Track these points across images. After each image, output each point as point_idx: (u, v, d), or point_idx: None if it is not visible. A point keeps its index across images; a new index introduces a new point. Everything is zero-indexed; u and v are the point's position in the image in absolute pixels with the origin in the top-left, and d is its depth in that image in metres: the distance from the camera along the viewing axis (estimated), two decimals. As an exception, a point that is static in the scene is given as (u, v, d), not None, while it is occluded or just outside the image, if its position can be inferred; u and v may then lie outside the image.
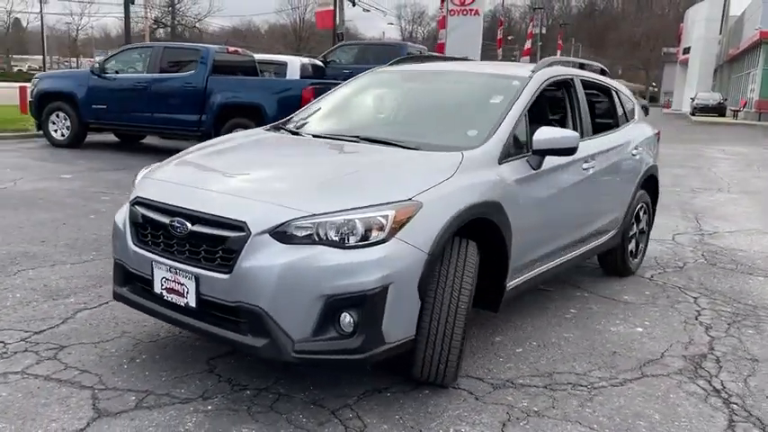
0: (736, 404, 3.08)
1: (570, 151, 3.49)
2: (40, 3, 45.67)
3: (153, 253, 2.86)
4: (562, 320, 4.07)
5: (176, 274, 2.76)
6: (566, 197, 3.83)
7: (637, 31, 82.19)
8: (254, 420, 2.68)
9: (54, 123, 10.93)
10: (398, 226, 2.65)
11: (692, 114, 40.94)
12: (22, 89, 13.04)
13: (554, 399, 3.02)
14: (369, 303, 2.56)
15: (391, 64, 4.64)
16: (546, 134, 3.43)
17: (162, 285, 2.83)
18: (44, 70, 37.64)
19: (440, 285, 2.82)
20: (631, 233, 4.97)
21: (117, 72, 10.55)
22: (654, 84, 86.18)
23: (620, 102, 4.97)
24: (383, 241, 2.61)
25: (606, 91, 4.89)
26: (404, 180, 2.89)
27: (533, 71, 3.94)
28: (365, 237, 2.60)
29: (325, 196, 2.71)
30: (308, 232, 2.58)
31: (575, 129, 4.20)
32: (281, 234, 2.58)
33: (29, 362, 3.09)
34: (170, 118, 10.04)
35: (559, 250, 3.94)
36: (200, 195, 2.84)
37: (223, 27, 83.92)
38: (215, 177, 3.07)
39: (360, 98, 4.30)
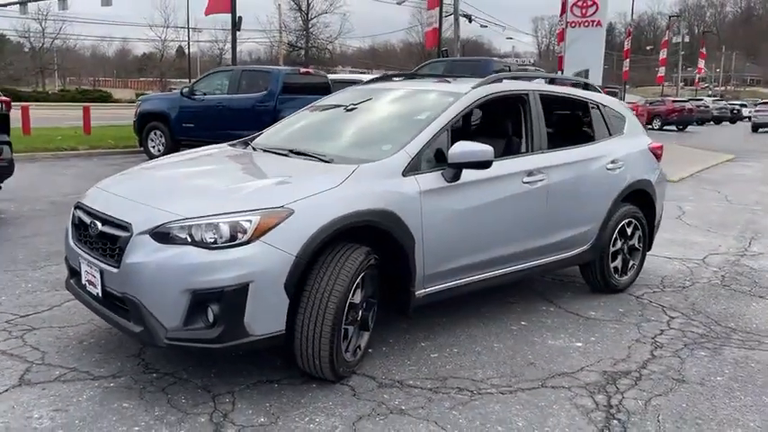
0: (618, 420, 3.04)
1: (484, 165, 3.59)
2: (188, 32, 50.15)
3: (81, 249, 3.36)
4: (504, 331, 4.12)
5: (90, 267, 3.23)
6: (497, 209, 3.90)
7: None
8: (139, 398, 3.06)
9: (152, 140, 12.22)
10: (264, 230, 2.94)
11: None
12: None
13: (429, 400, 3.15)
14: (226, 298, 2.87)
15: (366, 83, 4.92)
16: (460, 148, 3.57)
17: (85, 277, 3.32)
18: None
19: (313, 286, 3.07)
20: (614, 249, 4.86)
21: (204, 94, 11.61)
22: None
23: (602, 116, 4.89)
24: (246, 243, 2.91)
25: (581, 105, 4.84)
26: (287, 188, 3.18)
27: (473, 87, 4.07)
28: (231, 239, 2.92)
29: (203, 202, 3.06)
30: (181, 233, 2.94)
31: (526, 143, 4.27)
32: (158, 234, 2.96)
33: (-1, 339, 3.71)
34: (246, 134, 10.83)
35: (496, 261, 4.01)
36: (110, 200, 3.32)
37: (361, 47, 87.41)
38: (132, 186, 3.53)
39: (318, 114, 4.63)
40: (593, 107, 4.87)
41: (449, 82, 4.53)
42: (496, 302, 4.61)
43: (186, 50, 61.66)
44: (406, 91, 4.43)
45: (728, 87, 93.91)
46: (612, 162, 4.73)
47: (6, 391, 3.09)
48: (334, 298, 3.06)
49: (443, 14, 31.74)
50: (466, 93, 3.99)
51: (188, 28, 50.08)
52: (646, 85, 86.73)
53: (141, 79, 78.26)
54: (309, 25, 62.26)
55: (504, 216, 3.97)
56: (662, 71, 53.15)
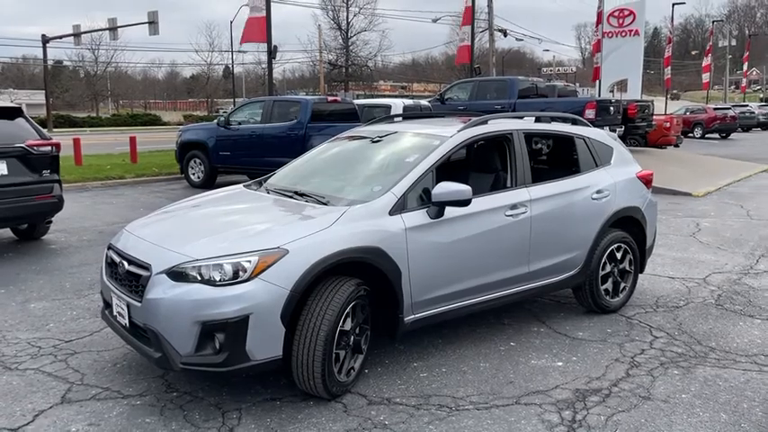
0: (575, 433, 3.40)
1: (464, 203, 4.02)
2: (231, 55, 51.83)
3: (112, 285, 3.92)
4: (493, 352, 4.50)
5: (120, 300, 3.78)
6: (481, 241, 4.31)
7: None
8: (160, 414, 3.58)
9: (192, 168, 12.98)
10: (262, 268, 3.43)
11: None
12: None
13: (410, 416, 3.57)
14: (230, 328, 3.36)
15: (367, 124, 5.41)
16: (442, 188, 4.01)
17: (116, 309, 3.87)
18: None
19: (306, 316, 3.55)
20: (604, 273, 5.19)
21: (239, 123, 12.33)
22: None
23: (588, 148, 5.24)
24: (246, 280, 3.41)
25: (566, 140, 5.21)
26: (283, 230, 3.67)
27: (459, 130, 4.50)
28: (234, 276, 3.42)
29: (211, 245, 3.57)
30: (192, 272, 3.45)
31: (511, 179, 4.67)
32: (173, 274, 3.48)
33: (46, 361, 4.28)
34: (277, 161, 11.46)
35: (482, 288, 4.41)
36: (135, 243, 3.87)
37: (403, 62, 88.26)
38: (153, 229, 4.07)
39: (322, 156, 5.13)
40: (579, 141, 5.23)
41: (442, 124, 4.97)
42: (491, 324, 5.00)
43: (231, 71, 63.79)
44: (400, 133, 4.88)
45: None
46: (598, 192, 5.08)
47: (51, 408, 3.65)
48: (325, 326, 3.52)
49: (478, 29, 32.21)
50: (451, 136, 4.43)
51: (231, 51, 51.76)
52: (694, 89, 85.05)
53: (190, 100, 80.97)
54: (349, 43, 63.43)
55: (487, 247, 4.37)
56: (706, 77, 52.25)
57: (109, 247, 4.13)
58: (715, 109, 35.33)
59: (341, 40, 61.41)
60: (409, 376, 4.09)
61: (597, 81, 26.25)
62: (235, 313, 3.36)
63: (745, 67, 62.07)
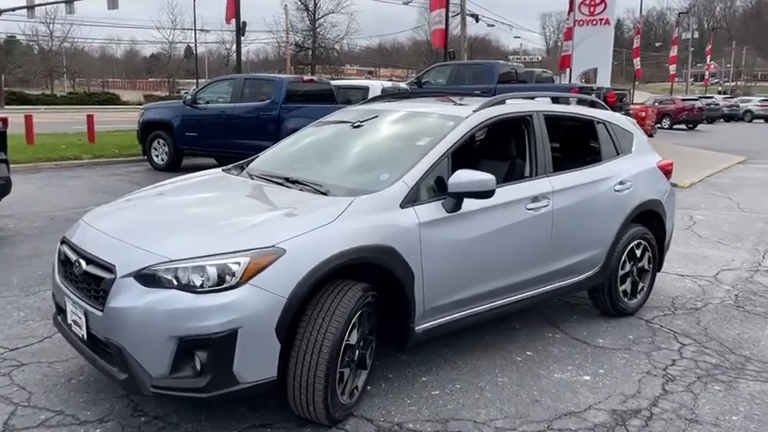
0: (627, 469, 2.89)
1: (486, 194, 3.44)
2: (195, 34, 50.19)
3: (67, 288, 3.24)
4: (509, 363, 3.97)
5: (75, 307, 3.11)
6: (500, 238, 3.75)
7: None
8: (126, 446, 2.94)
9: (155, 149, 12.13)
10: (254, 272, 2.81)
11: None
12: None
13: (428, 447, 3.01)
14: (214, 345, 2.74)
15: (362, 103, 4.78)
16: (460, 177, 3.43)
17: (70, 317, 3.19)
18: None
19: (306, 328, 2.94)
20: (623, 272, 4.70)
21: (207, 102, 11.51)
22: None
23: (609, 135, 4.72)
24: (234, 287, 2.78)
25: (587, 124, 4.68)
26: (278, 225, 3.04)
27: (475, 110, 3.92)
28: (219, 282, 2.78)
29: (190, 241, 2.93)
30: (167, 276, 2.81)
31: (530, 166, 4.11)
32: (143, 277, 2.83)
33: (-15, 377, 3.59)
34: (248, 144, 10.74)
35: (500, 291, 3.86)
36: (95, 237, 3.19)
37: (369, 46, 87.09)
38: (118, 220, 3.40)
39: (313, 138, 4.49)
40: (599, 126, 4.70)
41: (451, 102, 4.38)
42: (500, 329, 4.46)
43: (194, 51, 61.90)
44: (405, 113, 4.28)
45: (739, 83, 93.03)
46: (620, 183, 4.57)
47: (-12, 439, 2.98)
48: (329, 341, 2.92)
49: (450, 14, 31.62)
50: (467, 117, 3.84)
51: (194, 29, 50.15)
52: (655, 82, 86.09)
53: (150, 80, 78.52)
54: (316, 25, 62.13)
55: (508, 245, 3.82)
56: (672, 69, 52.68)
57: (62, 241, 3.44)
58: (683, 100, 35.57)
59: (308, 22, 60.23)
60: (419, 395, 3.52)
61: (567, 69, 25.98)
62: (220, 327, 2.73)
63: (708, 60, 62.84)
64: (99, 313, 2.92)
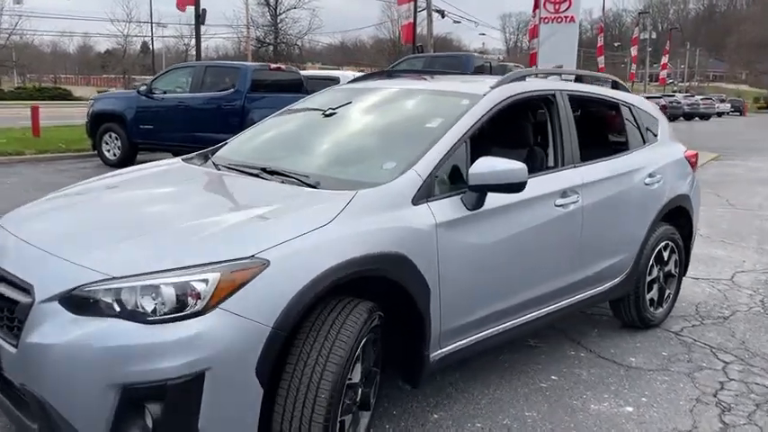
0: None
1: (516, 187, 2.76)
2: (151, 27, 48.49)
3: (-28, 312, 2.43)
4: (534, 391, 3.30)
5: (-17, 340, 2.31)
6: (528, 241, 3.08)
7: (762, 33, 76.12)
8: None
9: (107, 143, 11.12)
10: (227, 293, 2.06)
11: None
12: (34, 109, 14.40)
13: None
14: (171, 396, 1.98)
15: (351, 81, 4.06)
16: (484, 166, 2.73)
17: (-23, 351, 2.39)
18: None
19: (297, 366, 2.21)
20: (651, 278, 4.08)
21: (164, 92, 10.58)
22: (782, 89, 79.36)
23: (635, 120, 4.10)
24: (200, 313, 2.03)
25: (613, 107, 4.05)
26: (258, 229, 2.30)
27: (492, 87, 3.22)
28: (179, 307, 2.03)
29: (138, 252, 2.17)
30: (106, 299, 2.04)
31: (555, 155, 3.45)
32: (72, 301, 2.06)
33: None
34: (210, 137, 9.85)
35: (526, 305, 3.19)
36: (16, 248, 2.39)
37: (331, 44, 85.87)
38: (45, 223, 2.61)
39: (297, 120, 3.75)
40: (624, 109, 4.07)
41: (457, 79, 3.69)
42: (515, 347, 3.78)
43: (150, 46, 59.98)
44: (408, 89, 3.57)
45: (692, 83, 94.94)
46: (650, 176, 3.94)
47: None
48: (328, 381, 2.20)
49: (417, 9, 31.01)
50: (485, 94, 3.15)
51: (151, 22, 48.45)
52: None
53: (104, 76, 75.93)
54: (278, 20, 60.90)
55: (536, 249, 3.15)
56: (634, 68, 53.09)
57: (-30, 251, 2.62)
58: (648, 98, 35.67)
59: (269, 17, 59.00)
60: (434, 438, 2.82)
61: (534, 67, 25.70)
62: (180, 370, 1.98)
63: (665, 60, 63.62)
64: (13, 350, 2.13)
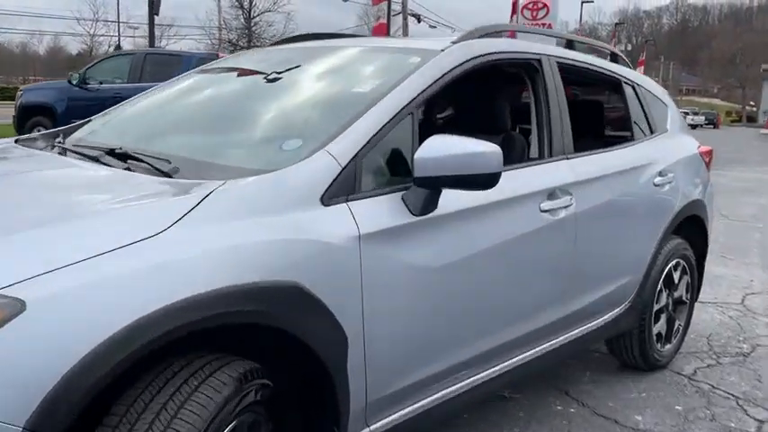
0: None
1: (484, 181, 1.81)
2: (119, 27, 47.02)
3: None
4: (507, 471, 2.35)
5: None
6: (499, 262, 2.13)
7: (733, 48, 77.21)
8: None
9: (37, 139, 10.02)
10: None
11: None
12: None
13: None
14: None
15: (283, 41, 3.10)
16: (437, 149, 1.78)
17: None
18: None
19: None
20: (658, 307, 3.17)
21: (100, 83, 9.51)
22: (752, 103, 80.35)
23: (641, 103, 3.19)
24: None
25: (614, 85, 3.13)
26: (21, 245, 1.32)
27: (453, 42, 2.28)
28: None
29: None
30: None
31: (540, 143, 2.51)
32: None
33: None
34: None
35: (493, 354, 2.23)
36: None
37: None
38: None
39: (201, 85, 2.77)
40: (627, 88, 3.16)
41: (419, 38, 2.75)
42: (478, 408, 2.83)
43: (120, 47, 58.23)
44: (343, 46, 2.59)
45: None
46: (660, 174, 3.03)
47: None
48: None
49: (392, 13, 30.21)
50: (443, 49, 2.20)
51: (118, 22, 46.92)
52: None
53: (72, 78, 74.00)
54: (251, 23, 59.71)
55: (512, 272, 2.20)
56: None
57: None
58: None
59: (243, 20, 57.76)
60: None
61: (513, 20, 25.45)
62: None
63: (640, 71, 63.93)
64: None
